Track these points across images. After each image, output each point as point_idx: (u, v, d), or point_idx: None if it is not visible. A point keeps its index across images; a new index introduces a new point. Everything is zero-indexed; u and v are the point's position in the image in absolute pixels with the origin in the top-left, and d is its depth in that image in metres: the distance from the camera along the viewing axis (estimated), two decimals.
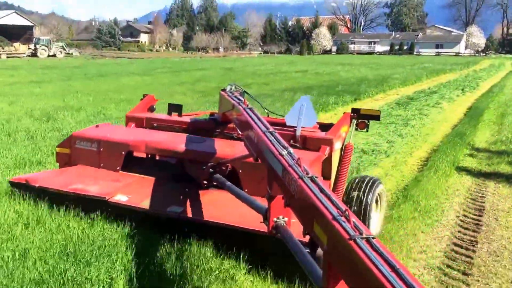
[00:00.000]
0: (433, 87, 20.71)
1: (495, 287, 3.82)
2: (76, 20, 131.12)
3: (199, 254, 3.71)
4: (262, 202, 3.25)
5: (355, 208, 4.32)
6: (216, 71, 30.37)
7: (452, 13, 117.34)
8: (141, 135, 5.21)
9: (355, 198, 4.37)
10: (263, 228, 3.05)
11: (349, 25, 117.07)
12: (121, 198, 4.25)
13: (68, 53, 58.62)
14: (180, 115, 5.96)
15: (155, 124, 5.70)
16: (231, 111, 4.48)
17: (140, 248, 3.77)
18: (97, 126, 5.58)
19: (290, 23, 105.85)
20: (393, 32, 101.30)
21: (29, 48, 55.90)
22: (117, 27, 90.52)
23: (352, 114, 5.11)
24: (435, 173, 6.78)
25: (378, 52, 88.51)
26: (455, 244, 4.62)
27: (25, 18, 65.68)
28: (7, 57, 49.66)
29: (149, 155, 5.20)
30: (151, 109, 6.06)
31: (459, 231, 4.96)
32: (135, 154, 5.09)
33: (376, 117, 5.16)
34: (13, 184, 4.84)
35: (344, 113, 5.27)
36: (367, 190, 4.40)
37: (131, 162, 4.99)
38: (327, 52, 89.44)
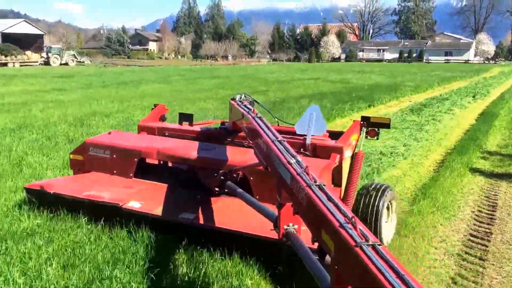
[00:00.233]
0: (444, 94, 21.06)
1: (508, 269, 4.32)
2: (82, 29, 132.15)
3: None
4: (273, 209, 3.33)
5: (365, 215, 4.42)
6: (230, 78, 30.99)
7: (461, 21, 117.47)
8: (153, 142, 5.23)
9: (365, 205, 4.47)
10: (274, 235, 3.13)
11: (357, 33, 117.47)
12: (134, 204, 4.28)
13: (80, 62, 59.43)
14: (191, 124, 5.99)
15: (166, 133, 5.78)
16: (241, 120, 4.55)
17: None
18: (109, 133, 5.64)
19: (298, 30, 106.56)
20: (402, 40, 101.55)
21: (41, 57, 56.70)
22: (126, 35, 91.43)
23: (362, 122, 5.11)
24: (450, 173, 7.27)
25: (387, 59, 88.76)
26: (471, 235, 5.11)
27: (34, 26, 66.46)
28: (21, 66, 50.49)
29: (161, 162, 5.25)
30: (162, 119, 6.16)
31: (474, 224, 5.44)
32: (147, 161, 5.14)
33: (386, 125, 5.13)
34: (28, 190, 4.86)
35: (354, 121, 5.29)
36: (378, 197, 4.48)
37: (143, 169, 5.05)
38: (335, 59, 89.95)
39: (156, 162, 5.23)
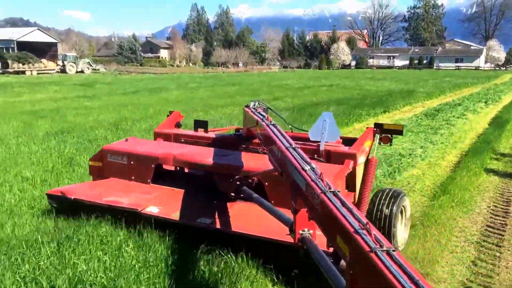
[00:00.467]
0: (456, 99, 21.56)
1: None
2: (93, 36, 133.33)
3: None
4: (288, 213, 3.39)
5: (379, 220, 4.52)
6: (246, 85, 31.74)
7: (471, 27, 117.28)
8: (169, 148, 5.32)
9: (379, 211, 4.56)
10: (290, 239, 3.16)
11: (367, 40, 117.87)
12: (152, 209, 4.37)
13: (95, 69, 60.41)
14: (206, 131, 6.07)
15: (182, 140, 5.89)
16: (255, 126, 4.63)
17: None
18: (126, 140, 5.72)
19: (307, 37, 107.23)
20: (412, 47, 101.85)
21: (57, 65, 57.59)
22: (137, 43, 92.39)
23: (375, 129, 5.18)
24: (466, 172, 7.85)
25: (397, 66, 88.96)
26: (488, 226, 5.70)
27: (48, 35, 67.26)
28: (38, 74, 51.40)
29: (178, 168, 5.33)
30: (178, 125, 6.27)
31: (490, 217, 6.03)
32: (164, 167, 5.25)
33: (399, 131, 5.21)
34: (50, 196, 4.94)
35: (367, 127, 5.40)
36: (391, 202, 4.58)
37: (160, 175, 5.17)
38: (346, 66, 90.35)
39: (173, 168, 5.32)
